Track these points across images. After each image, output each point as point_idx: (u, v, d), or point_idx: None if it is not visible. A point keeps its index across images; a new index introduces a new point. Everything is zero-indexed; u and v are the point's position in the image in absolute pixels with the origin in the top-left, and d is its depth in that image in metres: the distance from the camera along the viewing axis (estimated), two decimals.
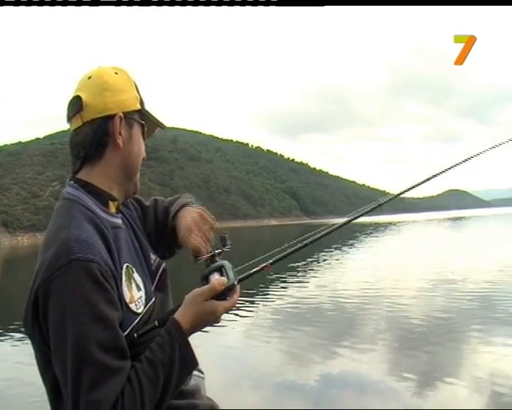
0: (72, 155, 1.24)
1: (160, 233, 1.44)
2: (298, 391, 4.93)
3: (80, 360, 1.00)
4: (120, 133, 1.21)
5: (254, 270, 1.24)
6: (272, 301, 10.36)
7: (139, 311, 1.17)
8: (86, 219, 1.14)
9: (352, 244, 28.08)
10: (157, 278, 1.32)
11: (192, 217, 1.34)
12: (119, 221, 1.26)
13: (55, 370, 1.06)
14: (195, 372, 1.32)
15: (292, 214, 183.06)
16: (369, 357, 5.96)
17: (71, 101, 1.23)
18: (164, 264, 1.38)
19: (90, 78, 1.23)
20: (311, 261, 18.14)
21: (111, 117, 1.20)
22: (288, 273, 14.05)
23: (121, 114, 1.21)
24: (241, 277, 1.20)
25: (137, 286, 1.20)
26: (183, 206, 1.40)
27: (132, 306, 1.15)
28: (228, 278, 1.16)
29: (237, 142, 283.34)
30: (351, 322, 7.92)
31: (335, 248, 24.59)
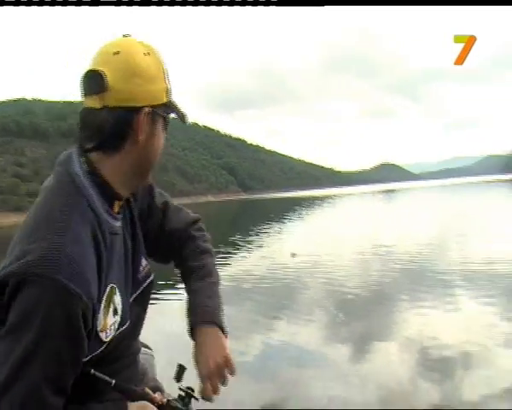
0: (83, 134, 1.07)
1: (160, 246, 1.34)
2: (237, 367, 4.94)
3: (19, 373, 0.89)
4: (144, 129, 1.08)
5: None
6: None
7: (106, 340, 1.06)
8: (86, 223, 1.01)
9: (290, 217, 28.59)
10: (140, 289, 1.22)
11: (217, 361, 1.22)
12: (118, 224, 1.13)
13: None
14: (143, 349, 1.31)
15: (229, 190, 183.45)
16: (306, 327, 6.11)
17: (91, 74, 1.04)
18: (152, 276, 1.27)
19: (117, 53, 1.04)
20: (251, 234, 18.28)
21: (136, 109, 1.06)
22: (226, 247, 14.07)
23: (148, 109, 1.07)
24: None
25: (115, 310, 1.09)
26: (211, 323, 1.26)
27: (102, 335, 1.05)
28: None
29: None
30: (288, 293, 8.07)
31: (274, 221, 24.93)
